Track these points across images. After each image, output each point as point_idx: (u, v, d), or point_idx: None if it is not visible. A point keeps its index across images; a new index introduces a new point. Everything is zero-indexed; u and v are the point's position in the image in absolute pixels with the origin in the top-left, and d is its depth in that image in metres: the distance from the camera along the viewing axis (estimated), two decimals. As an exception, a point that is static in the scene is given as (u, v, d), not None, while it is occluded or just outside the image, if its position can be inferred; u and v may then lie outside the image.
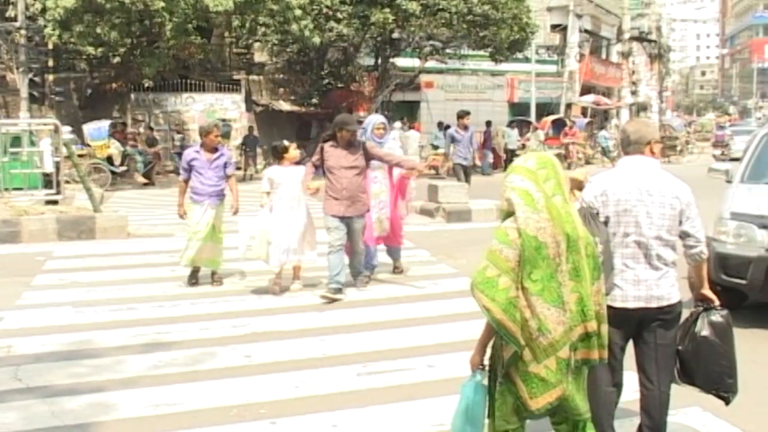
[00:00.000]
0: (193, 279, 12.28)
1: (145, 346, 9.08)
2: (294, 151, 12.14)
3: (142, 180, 32.25)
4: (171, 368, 8.34)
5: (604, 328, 4.72)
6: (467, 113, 22.30)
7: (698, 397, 6.26)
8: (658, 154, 5.84)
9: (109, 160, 31.10)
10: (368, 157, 11.51)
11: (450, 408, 7.04)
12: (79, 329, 9.54)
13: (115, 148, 31.85)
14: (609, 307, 5.00)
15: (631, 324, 5.65)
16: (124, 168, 31.90)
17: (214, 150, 12.33)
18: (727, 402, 5.90)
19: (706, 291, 5.85)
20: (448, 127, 41.71)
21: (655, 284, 5.56)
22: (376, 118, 13.07)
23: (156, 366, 8.43)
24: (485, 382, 4.77)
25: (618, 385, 5.77)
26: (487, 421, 4.85)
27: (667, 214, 5.55)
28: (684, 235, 5.62)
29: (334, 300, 11.08)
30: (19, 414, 7.09)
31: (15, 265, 13.75)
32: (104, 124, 31.93)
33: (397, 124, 36.17)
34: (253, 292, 11.85)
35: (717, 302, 5.84)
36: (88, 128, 31.57)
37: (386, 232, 12.55)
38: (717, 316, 5.78)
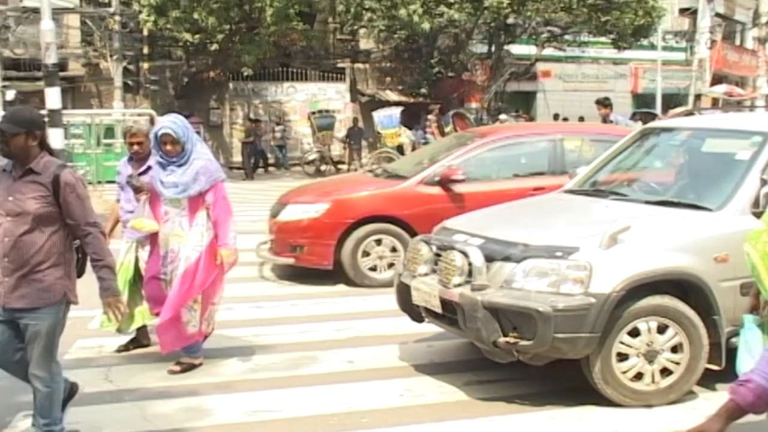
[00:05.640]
0: None
1: (243, 349, 9.17)
2: None
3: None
4: (269, 372, 8.40)
5: None
6: (602, 102, 19.52)
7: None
8: None
9: (399, 149, 31.33)
10: (63, 200, 6.16)
11: (561, 421, 6.96)
12: (173, 330, 9.64)
13: (406, 137, 32.11)
14: None
15: None
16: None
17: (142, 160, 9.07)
18: None
19: None
20: (565, 120, 41.63)
21: None
22: (162, 125, 8.59)
23: (253, 370, 8.51)
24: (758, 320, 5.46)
25: None
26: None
27: None
28: None
29: None
30: (110, 416, 7.22)
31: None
32: (395, 112, 32.25)
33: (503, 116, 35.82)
34: (357, 294, 11.86)
35: None
36: (378, 115, 31.96)
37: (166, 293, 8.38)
38: None
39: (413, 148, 31.40)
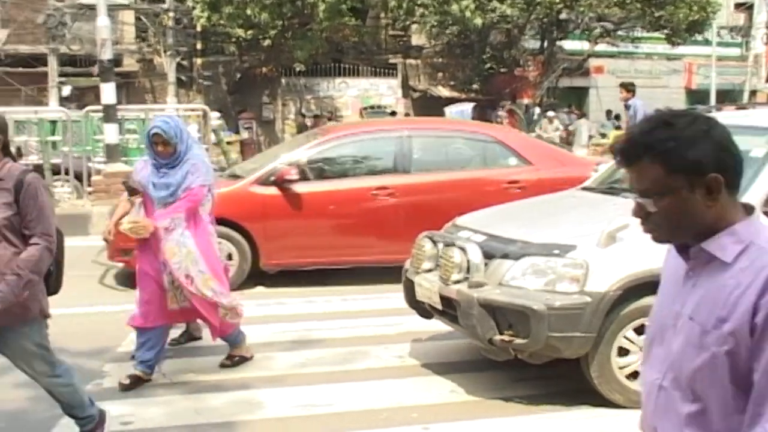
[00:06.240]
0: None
1: (293, 343, 9.23)
2: None
3: None
4: (319, 367, 8.44)
5: None
6: (625, 86, 20.41)
7: None
8: None
9: None
10: (22, 203, 5.56)
11: (608, 419, 6.91)
12: (224, 324, 9.71)
13: None
14: None
15: None
16: None
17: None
18: None
19: None
20: (617, 117, 41.38)
21: None
22: (152, 125, 8.05)
23: (304, 364, 8.55)
24: None
25: None
26: None
27: None
28: None
29: None
30: (162, 409, 7.28)
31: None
32: (467, 107, 32.17)
33: (551, 113, 35.53)
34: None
35: None
36: (450, 110, 31.92)
37: (184, 305, 8.08)
38: None
39: None
